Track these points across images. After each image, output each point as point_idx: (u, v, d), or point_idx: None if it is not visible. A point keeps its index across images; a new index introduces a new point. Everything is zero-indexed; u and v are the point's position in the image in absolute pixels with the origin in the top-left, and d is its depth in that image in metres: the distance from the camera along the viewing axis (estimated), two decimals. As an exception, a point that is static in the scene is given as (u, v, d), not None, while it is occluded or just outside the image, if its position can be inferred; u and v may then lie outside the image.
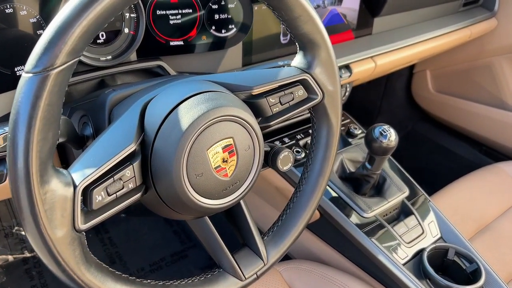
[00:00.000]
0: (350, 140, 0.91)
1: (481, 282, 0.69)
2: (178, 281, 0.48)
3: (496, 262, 0.77)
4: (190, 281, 0.49)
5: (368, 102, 1.59)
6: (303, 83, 0.52)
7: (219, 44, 0.71)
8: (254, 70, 0.54)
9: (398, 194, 0.81)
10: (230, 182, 0.47)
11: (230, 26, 0.70)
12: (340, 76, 0.85)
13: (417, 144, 1.57)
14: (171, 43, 0.68)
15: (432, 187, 1.13)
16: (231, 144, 0.45)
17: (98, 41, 0.61)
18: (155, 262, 1.26)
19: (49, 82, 0.34)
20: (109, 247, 1.29)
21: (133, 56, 0.66)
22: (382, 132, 0.73)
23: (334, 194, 0.79)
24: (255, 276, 0.53)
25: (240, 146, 0.46)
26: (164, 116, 0.44)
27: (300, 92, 0.52)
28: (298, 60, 0.53)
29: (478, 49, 1.34)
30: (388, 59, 0.95)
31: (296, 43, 0.53)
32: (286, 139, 0.87)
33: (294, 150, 0.83)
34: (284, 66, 0.55)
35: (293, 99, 0.52)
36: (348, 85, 0.95)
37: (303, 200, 0.56)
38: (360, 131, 0.94)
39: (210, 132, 0.44)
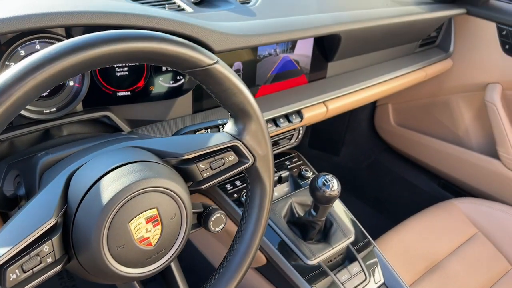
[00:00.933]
0: (301, 182, 0.93)
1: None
2: None
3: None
4: None
5: (333, 132, 1.62)
6: (234, 149, 0.54)
7: (167, 94, 0.72)
8: (185, 136, 0.56)
9: (343, 239, 0.83)
10: (155, 251, 0.48)
11: (178, 77, 0.72)
12: (291, 121, 0.88)
13: (380, 175, 1.61)
14: (118, 94, 0.69)
15: (394, 217, 1.16)
16: (155, 214, 0.47)
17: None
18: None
19: None
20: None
21: (79, 106, 0.67)
22: (325, 182, 0.76)
23: (280, 240, 0.81)
24: None
25: (165, 215, 0.47)
26: (87, 188, 0.45)
27: (230, 158, 0.54)
28: (229, 126, 0.55)
29: (437, 86, 1.38)
30: (341, 102, 0.97)
31: (227, 111, 0.54)
32: (237, 182, 0.89)
33: (244, 194, 0.85)
34: (222, 126, 0.56)
35: (223, 164, 0.54)
36: (301, 128, 0.97)
37: (236, 260, 0.58)
38: (311, 173, 0.96)
39: (132, 205, 0.45)
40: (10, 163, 0.58)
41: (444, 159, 1.40)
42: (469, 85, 1.31)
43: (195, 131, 0.70)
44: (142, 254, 0.47)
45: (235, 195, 0.86)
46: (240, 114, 0.53)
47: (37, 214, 0.43)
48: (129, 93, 0.69)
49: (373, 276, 0.81)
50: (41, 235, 0.42)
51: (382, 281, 0.81)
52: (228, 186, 0.87)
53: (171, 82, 0.71)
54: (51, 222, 0.42)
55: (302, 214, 0.85)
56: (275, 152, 0.96)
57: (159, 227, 0.47)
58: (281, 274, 0.79)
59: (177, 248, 0.50)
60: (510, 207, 1.19)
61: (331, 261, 0.81)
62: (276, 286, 0.84)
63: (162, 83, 0.70)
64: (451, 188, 1.42)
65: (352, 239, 0.84)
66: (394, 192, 1.55)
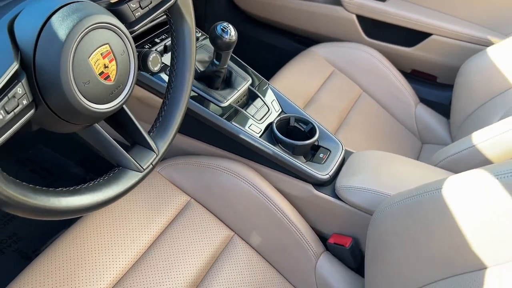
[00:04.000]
0: (194, 43, 0.99)
1: (316, 136, 0.89)
2: (86, 184, 0.53)
3: (323, 122, 0.99)
4: (96, 182, 0.54)
5: (194, 9, 1.64)
6: None
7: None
8: (109, -22, 0.56)
9: (244, 83, 0.95)
10: (115, 86, 0.51)
11: None
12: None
13: (243, 44, 1.73)
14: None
15: (267, 76, 1.31)
16: (108, 50, 0.49)
17: None
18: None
19: None
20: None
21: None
22: (223, 29, 0.83)
23: (192, 94, 0.88)
24: (151, 166, 0.60)
25: (117, 51, 0.50)
26: (38, 30, 0.45)
27: (156, -5, 0.57)
28: None
29: None
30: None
31: None
32: (146, 46, 0.90)
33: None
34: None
35: (151, 3, 0.57)
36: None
37: (176, 95, 0.64)
38: (200, 34, 1.02)
39: (87, 41, 0.47)
40: None
41: (297, 16, 1.58)
42: None
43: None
44: (106, 89, 0.50)
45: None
46: None
47: None
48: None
49: (274, 106, 0.96)
50: (11, 77, 0.42)
51: (281, 109, 0.97)
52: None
53: None
54: (15, 65, 0.43)
55: (204, 69, 0.92)
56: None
57: (114, 62, 0.50)
58: (201, 121, 0.87)
59: (131, 84, 0.54)
60: (360, 45, 1.45)
61: (238, 102, 0.93)
62: (196, 138, 0.93)
63: None
64: (305, 42, 1.62)
65: (250, 81, 0.96)
66: (259, 56, 1.70)
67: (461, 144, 0.93)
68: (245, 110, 0.91)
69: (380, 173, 0.86)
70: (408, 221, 0.67)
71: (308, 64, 1.39)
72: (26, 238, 1.12)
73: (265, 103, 0.95)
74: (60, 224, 0.99)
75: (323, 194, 0.86)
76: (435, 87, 1.52)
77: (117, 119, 0.59)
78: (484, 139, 0.88)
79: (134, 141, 0.61)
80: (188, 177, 0.90)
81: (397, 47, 1.49)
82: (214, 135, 0.89)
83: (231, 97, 0.90)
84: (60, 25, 0.45)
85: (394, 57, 1.48)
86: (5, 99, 0.41)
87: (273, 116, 0.94)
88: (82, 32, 0.46)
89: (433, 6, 1.43)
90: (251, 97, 0.96)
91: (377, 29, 1.49)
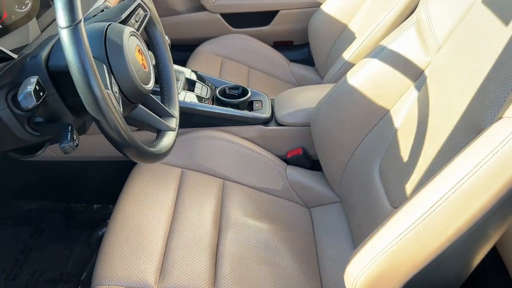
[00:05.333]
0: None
1: (249, 93, 1.23)
2: (152, 143, 0.78)
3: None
4: (155, 142, 0.79)
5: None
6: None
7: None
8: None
9: (181, 75, 1.23)
10: (148, 72, 0.78)
11: None
12: None
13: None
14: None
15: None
16: (139, 48, 0.76)
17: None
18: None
19: None
20: None
21: None
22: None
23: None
24: (177, 126, 0.87)
25: (142, 48, 0.77)
26: (103, 41, 0.69)
27: (141, 12, 0.84)
28: None
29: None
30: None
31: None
32: None
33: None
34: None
35: (140, 18, 0.83)
36: None
37: (168, 78, 0.91)
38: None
39: (130, 44, 0.73)
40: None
41: (174, 30, 1.88)
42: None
43: None
44: (146, 74, 0.76)
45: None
46: None
47: None
48: None
49: (208, 84, 1.27)
50: None
51: (213, 85, 1.28)
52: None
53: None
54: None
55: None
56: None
57: (142, 56, 0.77)
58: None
59: (153, 70, 0.80)
60: (231, 35, 1.81)
61: (184, 88, 1.22)
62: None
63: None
64: (191, 47, 1.93)
65: (184, 73, 1.26)
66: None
67: (337, 65, 1.37)
68: (195, 93, 1.20)
69: (301, 98, 1.24)
70: (335, 109, 1.06)
71: (202, 60, 1.72)
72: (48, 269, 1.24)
73: (202, 84, 1.25)
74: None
75: (272, 127, 1.21)
76: (295, 49, 1.99)
77: (146, 101, 0.84)
78: (349, 56, 1.33)
79: (159, 115, 0.86)
80: (173, 154, 1.15)
81: (258, 28, 1.91)
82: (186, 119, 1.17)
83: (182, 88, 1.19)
84: (113, 37, 0.70)
85: (259, 36, 1.89)
86: None
87: (210, 91, 1.25)
88: (126, 38, 0.71)
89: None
90: (190, 83, 1.25)
91: (239, 20, 1.89)
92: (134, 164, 1.14)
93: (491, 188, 0.60)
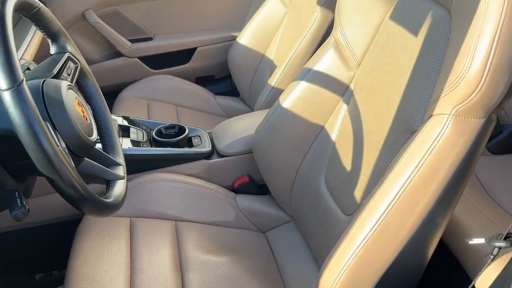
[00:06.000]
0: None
1: (187, 130, 1.23)
2: (104, 195, 0.75)
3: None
4: (107, 193, 0.77)
5: None
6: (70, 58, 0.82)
7: None
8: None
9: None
10: (90, 124, 0.76)
11: None
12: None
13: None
14: None
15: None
16: (78, 100, 0.74)
17: None
18: None
19: None
20: None
21: None
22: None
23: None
24: (125, 173, 0.85)
25: (81, 100, 0.75)
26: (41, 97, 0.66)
27: (71, 65, 0.82)
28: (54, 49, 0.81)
29: None
30: None
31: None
32: None
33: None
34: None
35: (71, 71, 0.81)
36: None
37: (107, 124, 0.89)
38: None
39: (68, 97, 0.71)
40: None
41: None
42: None
43: None
44: (88, 126, 0.75)
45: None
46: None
47: None
48: None
49: (142, 127, 1.25)
50: None
51: (148, 127, 1.27)
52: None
53: None
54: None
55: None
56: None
57: (82, 108, 0.75)
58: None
59: (94, 124, 0.78)
60: (155, 76, 1.80)
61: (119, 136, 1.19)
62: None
63: None
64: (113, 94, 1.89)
65: (116, 120, 1.23)
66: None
67: (264, 92, 1.42)
68: (131, 138, 1.18)
69: (238, 127, 1.27)
70: (274, 132, 1.10)
71: (128, 105, 1.69)
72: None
73: (136, 128, 1.23)
74: None
75: (215, 159, 1.22)
76: (217, 82, 2.04)
77: (91, 153, 0.81)
78: (274, 82, 1.40)
79: (105, 165, 0.84)
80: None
81: (178, 67, 1.93)
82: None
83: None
84: (51, 93, 0.67)
85: (181, 74, 1.91)
86: None
87: (146, 134, 1.23)
88: (65, 92, 0.69)
89: (188, 29, 1.93)
90: (124, 130, 1.23)
91: (158, 61, 1.89)
92: (76, 223, 1.08)
93: (434, 180, 0.67)
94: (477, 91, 0.61)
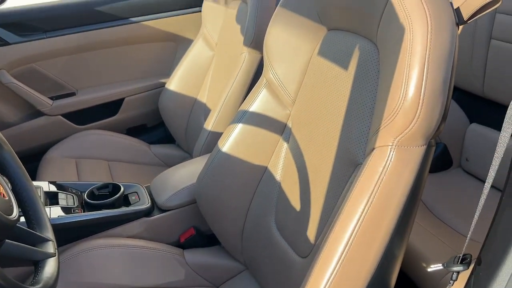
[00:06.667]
0: None
1: (122, 188, 1.15)
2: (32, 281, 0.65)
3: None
4: (37, 277, 0.67)
5: None
6: None
7: None
8: None
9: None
10: (9, 201, 0.66)
11: None
12: None
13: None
14: None
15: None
16: None
17: None
18: None
19: None
20: None
21: None
22: None
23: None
24: (56, 249, 0.75)
25: None
26: None
27: None
28: None
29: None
30: None
31: None
32: None
33: None
34: None
35: None
36: None
37: (32, 196, 0.79)
38: None
39: None
40: None
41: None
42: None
43: None
44: (7, 203, 0.66)
45: None
46: None
47: None
48: None
49: (71, 191, 1.15)
50: None
51: (78, 190, 1.16)
52: None
53: None
54: None
55: None
56: None
57: None
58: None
59: (14, 200, 0.69)
60: (84, 132, 1.69)
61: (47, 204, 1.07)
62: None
63: None
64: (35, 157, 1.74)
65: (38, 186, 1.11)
66: None
67: (201, 137, 1.38)
68: (60, 205, 1.07)
69: (178, 178, 1.20)
70: (217, 178, 1.06)
71: (54, 167, 1.56)
72: None
73: (65, 193, 1.13)
74: None
75: (156, 216, 1.14)
76: (150, 130, 1.96)
77: (13, 232, 0.71)
78: (211, 126, 1.36)
79: (31, 243, 0.73)
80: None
81: (106, 120, 1.83)
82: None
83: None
84: None
85: (110, 127, 1.82)
86: None
87: (77, 198, 1.13)
88: None
89: (113, 80, 1.85)
90: (51, 197, 1.11)
91: (84, 116, 1.79)
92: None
93: (387, 213, 0.66)
94: (415, 119, 0.62)
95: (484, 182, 1.39)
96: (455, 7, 0.66)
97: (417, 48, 0.60)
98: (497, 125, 1.39)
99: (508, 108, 0.62)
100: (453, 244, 0.98)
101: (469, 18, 0.65)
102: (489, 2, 0.61)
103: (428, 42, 0.60)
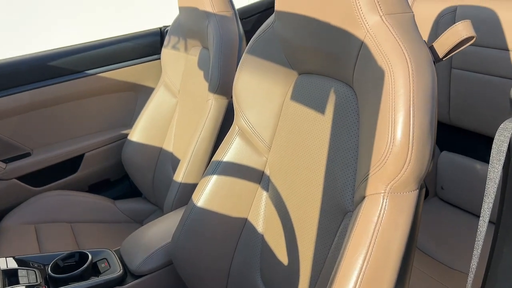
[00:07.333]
0: None
1: (90, 257, 1.05)
2: None
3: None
4: None
5: None
6: None
7: None
8: None
9: (-5, 270, 0.97)
10: None
11: None
12: None
13: None
14: None
15: None
16: None
17: None
18: None
19: None
20: None
21: None
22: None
23: None
24: None
25: None
26: None
27: None
28: None
29: None
30: None
31: None
32: None
33: None
34: None
35: None
36: None
37: None
38: None
39: None
40: None
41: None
42: None
43: None
44: None
45: None
46: None
47: None
48: None
49: (33, 265, 1.04)
50: None
51: (41, 264, 1.05)
52: None
53: None
54: None
55: None
56: None
57: None
58: None
59: None
60: (44, 194, 1.58)
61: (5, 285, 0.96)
62: None
63: None
64: None
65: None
66: None
67: (172, 190, 1.31)
68: (21, 284, 0.95)
69: (150, 238, 1.11)
70: (194, 235, 0.98)
71: (11, 237, 1.42)
72: None
73: (26, 269, 1.01)
74: None
75: (130, 283, 1.04)
76: (114, 185, 1.86)
77: None
78: (181, 178, 1.30)
79: None
80: None
81: (65, 179, 1.72)
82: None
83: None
84: None
85: (70, 186, 1.71)
86: None
87: (39, 273, 1.02)
88: None
89: (70, 136, 1.75)
90: (11, 275, 1.00)
91: (41, 177, 1.67)
92: None
93: (388, 263, 0.62)
94: (407, 164, 0.59)
95: (460, 209, 1.39)
96: (429, 45, 0.65)
97: (400, 90, 0.58)
98: (466, 152, 1.41)
99: (493, 143, 0.61)
100: (449, 281, 0.95)
101: (445, 56, 0.64)
102: (464, 39, 0.61)
103: (411, 83, 0.58)
